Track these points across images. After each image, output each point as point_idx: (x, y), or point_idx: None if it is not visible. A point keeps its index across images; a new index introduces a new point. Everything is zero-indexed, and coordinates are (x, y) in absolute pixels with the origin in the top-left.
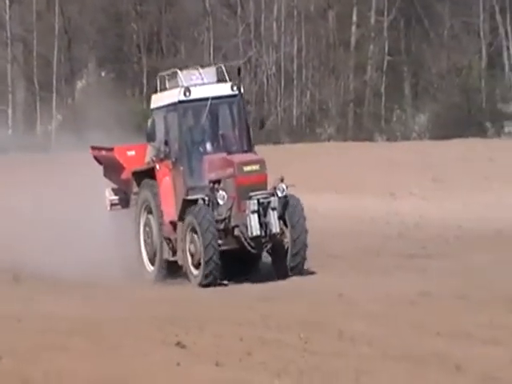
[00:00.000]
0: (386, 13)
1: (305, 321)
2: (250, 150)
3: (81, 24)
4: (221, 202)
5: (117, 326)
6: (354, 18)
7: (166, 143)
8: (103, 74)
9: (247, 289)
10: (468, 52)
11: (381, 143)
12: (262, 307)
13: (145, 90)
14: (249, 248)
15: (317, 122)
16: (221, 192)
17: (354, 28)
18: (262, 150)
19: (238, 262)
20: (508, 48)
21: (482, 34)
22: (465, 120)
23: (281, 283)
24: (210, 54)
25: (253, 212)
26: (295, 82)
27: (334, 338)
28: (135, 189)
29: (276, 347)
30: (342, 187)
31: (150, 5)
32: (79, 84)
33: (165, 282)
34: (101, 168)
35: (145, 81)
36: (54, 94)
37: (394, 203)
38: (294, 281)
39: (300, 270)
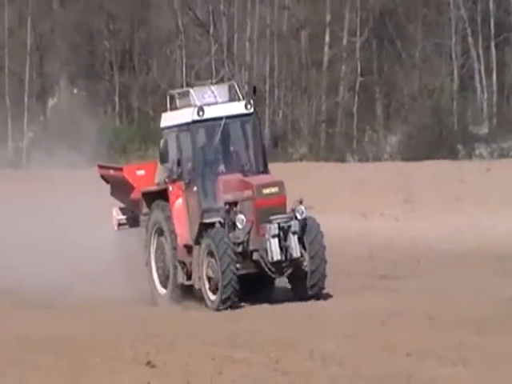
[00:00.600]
0: (358, 33)
1: (275, 340)
2: (265, 170)
3: (53, 41)
4: (240, 226)
5: (87, 343)
6: (327, 39)
7: (179, 164)
8: (75, 91)
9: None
10: (440, 74)
11: (352, 163)
12: (232, 326)
13: (117, 107)
14: (269, 273)
15: (289, 142)
16: (239, 215)
17: (326, 48)
18: None
19: (252, 284)
20: (480, 71)
21: (453, 56)
22: (436, 141)
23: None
24: (182, 72)
25: (273, 236)
26: (267, 101)
27: (304, 357)
28: (145, 209)
29: (246, 366)
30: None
31: (123, 23)
32: (51, 101)
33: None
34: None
35: (117, 98)
36: (26, 111)
37: (365, 224)
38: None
39: (320, 288)
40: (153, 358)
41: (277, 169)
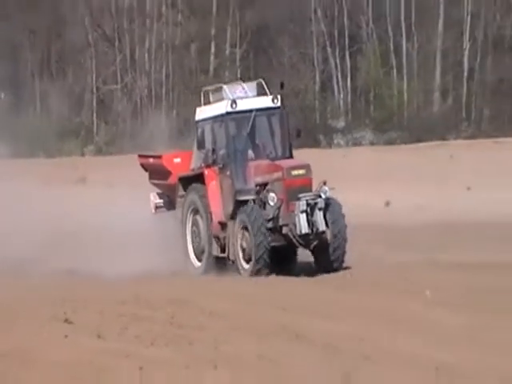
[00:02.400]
0: (238, 45)
1: (172, 299)
2: (291, 156)
3: None
4: (271, 203)
5: (12, 306)
6: (212, 50)
7: (214, 151)
8: (2, 96)
9: (121, 272)
10: (304, 78)
11: None
12: (136, 288)
13: (38, 108)
14: (297, 244)
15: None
16: (271, 194)
17: (212, 58)
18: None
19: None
20: (337, 75)
21: (315, 63)
22: (302, 134)
23: (156, 267)
24: (92, 78)
25: (302, 212)
26: (164, 102)
27: (197, 313)
28: (181, 192)
29: (148, 322)
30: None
31: (42, 36)
32: None
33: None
34: None
35: (38, 102)
36: None
37: None
38: (165, 264)
39: (341, 262)
40: (69, 316)
41: None
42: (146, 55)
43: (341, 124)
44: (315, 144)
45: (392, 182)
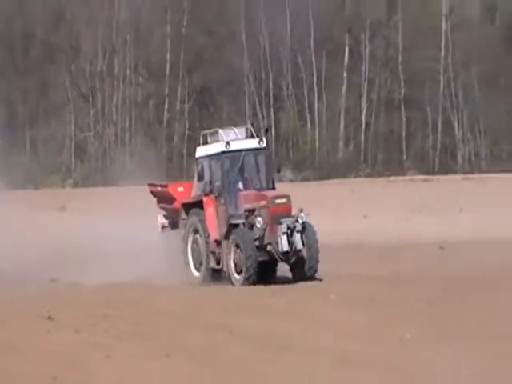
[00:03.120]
0: (186, 102)
1: (135, 302)
2: (273, 188)
3: None
4: (258, 226)
5: (5, 307)
6: (166, 105)
7: (211, 182)
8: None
9: (96, 280)
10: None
11: None
12: (107, 293)
13: (28, 151)
14: (279, 260)
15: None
16: (258, 218)
17: (165, 112)
18: None
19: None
20: (265, 126)
21: (247, 116)
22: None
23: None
24: (71, 127)
25: (283, 233)
26: (127, 146)
27: (153, 313)
28: (183, 215)
29: (114, 320)
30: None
31: (32, 94)
32: None
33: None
34: None
35: (28, 146)
36: None
37: None
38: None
39: (315, 270)
40: (52, 314)
41: None
42: (114, 109)
43: None
44: None
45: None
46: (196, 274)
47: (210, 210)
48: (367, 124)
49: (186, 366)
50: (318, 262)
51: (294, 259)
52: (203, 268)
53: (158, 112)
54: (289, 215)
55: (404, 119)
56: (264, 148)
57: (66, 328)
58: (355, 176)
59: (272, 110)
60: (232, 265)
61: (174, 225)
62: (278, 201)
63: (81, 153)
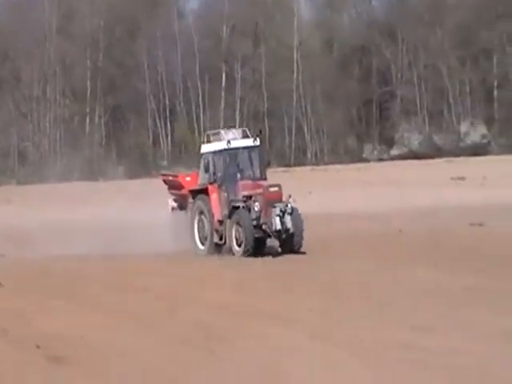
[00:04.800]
0: (103, 118)
1: (70, 270)
2: (265, 179)
3: None
4: (256, 209)
5: None
6: (87, 121)
7: (214, 173)
8: None
9: (37, 255)
10: (142, 136)
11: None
12: (45, 263)
13: None
14: (272, 237)
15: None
16: (256, 203)
17: (87, 126)
18: None
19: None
20: (162, 135)
21: (149, 127)
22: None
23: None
24: (14, 138)
25: (276, 216)
26: (58, 154)
27: (102, 289)
28: (190, 200)
29: (49, 284)
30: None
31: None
32: None
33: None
34: None
35: None
36: None
37: None
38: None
39: (300, 245)
40: (2, 281)
41: None
42: (48, 124)
43: (165, 163)
44: (149, 175)
45: None
46: (201, 247)
47: (213, 196)
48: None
49: (101, 318)
50: (302, 238)
51: (284, 236)
52: (208, 242)
53: (81, 126)
54: (280, 200)
55: (267, 127)
56: (258, 146)
57: (13, 292)
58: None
59: (168, 122)
60: (234, 239)
61: (181, 207)
62: (272, 189)
63: (22, 158)
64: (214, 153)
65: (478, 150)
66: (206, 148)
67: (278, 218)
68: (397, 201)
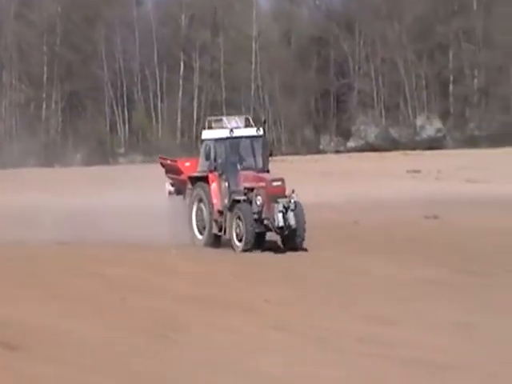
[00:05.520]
0: (59, 103)
1: (30, 256)
2: (268, 170)
3: None
4: (258, 203)
5: None
6: (44, 106)
7: (215, 161)
8: None
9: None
10: (100, 123)
11: None
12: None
13: None
14: (275, 233)
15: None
16: (258, 197)
17: (43, 112)
18: None
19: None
20: (120, 122)
21: (106, 115)
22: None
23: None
24: None
25: (279, 212)
26: (15, 139)
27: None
28: (189, 186)
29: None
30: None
31: None
32: None
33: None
34: None
35: None
36: None
37: None
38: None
39: (302, 239)
40: None
41: None
42: (3, 110)
43: (122, 150)
44: (106, 162)
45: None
46: (199, 236)
47: (214, 185)
48: (198, 119)
49: (57, 305)
50: (305, 232)
51: (286, 233)
52: (206, 233)
53: (37, 112)
54: (284, 195)
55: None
56: (261, 136)
57: None
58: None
59: (126, 109)
60: (234, 234)
61: (178, 192)
62: (275, 183)
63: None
64: (216, 140)
65: (433, 144)
66: (207, 134)
67: (280, 215)
68: (353, 192)
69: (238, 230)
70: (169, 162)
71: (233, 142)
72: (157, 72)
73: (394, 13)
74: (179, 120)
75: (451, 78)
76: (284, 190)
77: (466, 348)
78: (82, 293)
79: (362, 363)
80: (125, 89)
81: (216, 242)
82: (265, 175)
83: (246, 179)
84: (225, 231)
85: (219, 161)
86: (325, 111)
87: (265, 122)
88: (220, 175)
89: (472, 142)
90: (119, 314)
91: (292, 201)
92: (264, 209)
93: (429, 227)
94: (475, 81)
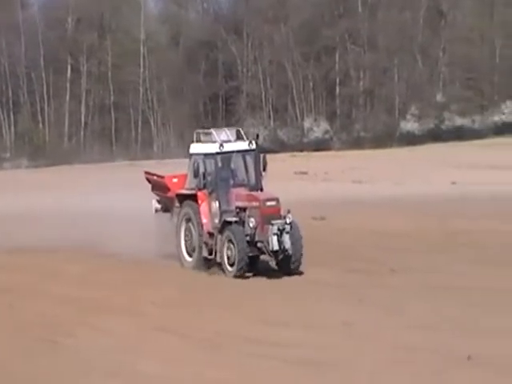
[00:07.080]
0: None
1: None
2: (261, 188)
3: None
4: (251, 225)
5: None
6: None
7: (204, 178)
8: None
9: None
10: None
11: None
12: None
13: None
14: (268, 257)
15: None
16: (251, 218)
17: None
18: None
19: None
20: (3, 126)
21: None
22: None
23: None
24: None
25: (274, 234)
26: None
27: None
28: (176, 204)
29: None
30: None
31: None
32: None
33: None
34: None
35: None
36: None
37: None
38: None
39: (299, 263)
40: None
41: None
42: None
43: (7, 155)
44: None
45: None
46: (188, 259)
47: (203, 204)
48: (86, 123)
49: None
50: (301, 255)
51: (281, 257)
52: (195, 256)
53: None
54: (279, 216)
55: (113, 119)
56: (254, 150)
57: None
58: (79, 162)
59: (12, 113)
60: (225, 257)
61: (165, 209)
62: (269, 203)
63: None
64: (205, 155)
65: (320, 145)
66: (195, 148)
67: (275, 238)
68: None
69: (229, 254)
70: (155, 177)
71: (223, 157)
72: (43, 75)
73: (281, 16)
74: (66, 124)
75: (338, 79)
76: (279, 211)
77: (348, 346)
78: None
79: (248, 363)
80: (10, 92)
81: (206, 265)
82: (258, 194)
83: (238, 198)
84: (215, 254)
85: (209, 178)
86: (214, 114)
87: (257, 137)
88: (210, 193)
89: (358, 143)
90: (6, 318)
91: (288, 221)
92: (257, 231)
93: (316, 228)
94: (361, 83)
